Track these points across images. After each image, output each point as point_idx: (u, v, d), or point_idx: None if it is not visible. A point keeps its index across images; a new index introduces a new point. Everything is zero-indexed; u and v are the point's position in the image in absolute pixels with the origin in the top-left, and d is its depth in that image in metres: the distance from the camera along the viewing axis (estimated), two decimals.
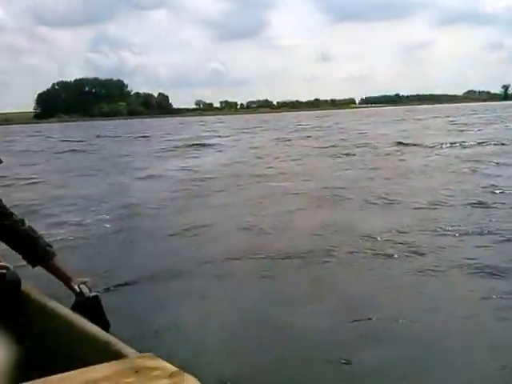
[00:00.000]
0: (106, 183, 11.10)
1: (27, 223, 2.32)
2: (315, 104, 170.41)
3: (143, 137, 30.26)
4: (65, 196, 9.42)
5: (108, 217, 7.23)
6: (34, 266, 2.36)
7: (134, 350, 1.59)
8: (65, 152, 20.84)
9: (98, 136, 32.77)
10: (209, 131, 33.72)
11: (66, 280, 2.35)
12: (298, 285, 4.12)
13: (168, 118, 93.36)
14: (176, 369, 1.41)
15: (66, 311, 2.03)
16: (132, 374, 1.38)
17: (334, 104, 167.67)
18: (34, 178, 12.27)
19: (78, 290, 2.32)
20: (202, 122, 55.58)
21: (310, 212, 7.17)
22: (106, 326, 2.11)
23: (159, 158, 16.81)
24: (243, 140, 23.26)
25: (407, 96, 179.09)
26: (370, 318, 3.34)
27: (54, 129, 55.26)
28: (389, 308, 3.55)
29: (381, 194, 7.95)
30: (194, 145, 21.26)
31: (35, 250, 2.31)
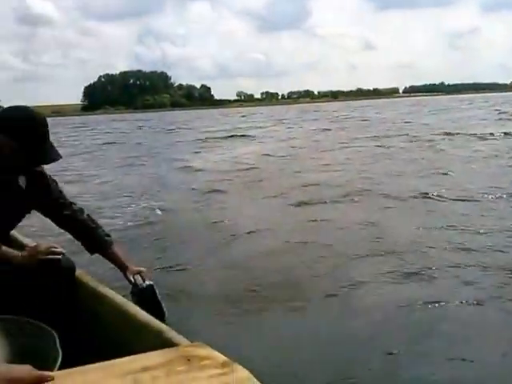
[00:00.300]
0: (149, 173, 11.23)
1: (86, 212, 2.40)
2: (357, 93, 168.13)
3: (185, 128, 30.49)
4: (110, 187, 9.60)
5: (158, 204, 7.30)
6: (92, 253, 2.47)
7: (185, 339, 1.60)
8: (107, 144, 21.21)
9: (141, 127, 33.15)
10: (249, 122, 33.63)
11: (122, 268, 2.45)
12: None
13: (210, 110, 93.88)
14: (227, 359, 1.41)
15: (119, 298, 2.06)
16: (184, 362, 1.39)
17: (376, 93, 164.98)
18: (82, 170, 12.52)
19: (132, 279, 2.40)
20: (242, 113, 55.31)
21: (351, 205, 7.05)
22: (161, 316, 2.16)
23: (202, 148, 16.89)
24: (283, 131, 23.05)
25: (452, 85, 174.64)
26: None
27: (100, 121, 56.31)
28: None
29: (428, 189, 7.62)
30: (233, 136, 21.26)
31: (93, 239, 2.41)
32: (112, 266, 2.47)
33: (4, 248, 2.06)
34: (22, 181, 2.16)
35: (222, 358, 1.42)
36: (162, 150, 16.81)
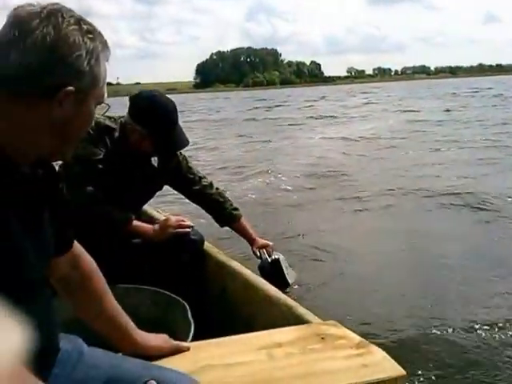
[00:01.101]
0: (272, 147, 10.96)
1: (215, 186, 2.44)
2: (478, 69, 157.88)
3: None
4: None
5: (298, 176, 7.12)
6: (221, 226, 2.52)
7: (316, 317, 1.56)
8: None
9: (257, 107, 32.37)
10: (364, 99, 32.10)
11: (249, 241, 2.50)
12: None
13: (320, 87, 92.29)
14: (362, 339, 1.35)
15: (246, 272, 2.06)
16: (318, 340, 1.34)
17: (500, 69, 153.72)
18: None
19: (258, 253, 2.42)
20: (352, 90, 52.92)
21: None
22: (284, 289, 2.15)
23: (321, 124, 16.21)
24: (401, 110, 21.44)
25: None
26: None
27: (218, 97, 56.11)
28: None
29: None
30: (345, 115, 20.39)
31: (222, 213, 2.44)
32: (237, 238, 2.49)
33: (136, 223, 2.12)
34: (154, 159, 2.22)
35: (357, 338, 1.36)
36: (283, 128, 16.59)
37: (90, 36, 0.86)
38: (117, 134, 2.09)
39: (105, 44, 0.89)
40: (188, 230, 2.19)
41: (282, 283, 2.30)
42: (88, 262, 1.12)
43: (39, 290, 0.92)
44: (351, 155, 8.93)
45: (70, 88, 0.83)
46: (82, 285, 1.11)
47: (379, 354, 1.30)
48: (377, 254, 3.79)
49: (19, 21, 0.83)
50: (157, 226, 2.16)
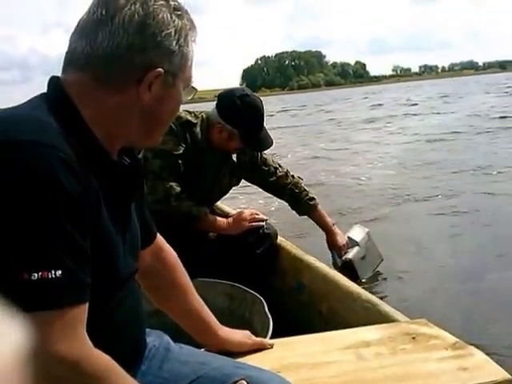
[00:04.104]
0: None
1: (290, 175, 2.40)
2: None
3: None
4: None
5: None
6: (299, 215, 2.50)
7: (402, 314, 1.46)
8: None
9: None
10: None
11: (326, 230, 2.46)
12: None
13: (365, 87, 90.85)
14: (458, 340, 1.24)
15: (323, 266, 1.99)
16: (408, 339, 1.24)
17: None
18: None
19: (331, 252, 2.38)
20: (399, 88, 51.03)
21: None
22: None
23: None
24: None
25: None
26: None
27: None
28: None
29: None
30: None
31: (299, 203, 2.41)
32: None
33: (211, 217, 2.11)
34: (233, 156, 2.20)
35: (453, 338, 1.25)
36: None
37: (178, 13, 0.80)
38: (197, 130, 2.07)
39: (192, 23, 0.82)
40: (262, 223, 2.16)
41: (354, 275, 2.26)
42: (171, 255, 1.08)
43: (130, 284, 0.88)
44: None
45: (160, 69, 0.77)
46: (166, 277, 1.06)
47: (480, 356, 1.18)
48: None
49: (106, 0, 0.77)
50: (231, 220, 2.14)
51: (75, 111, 0.76)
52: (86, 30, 0.77)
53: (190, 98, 0.87)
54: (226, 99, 2.06)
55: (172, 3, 0.80)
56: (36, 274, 0.64)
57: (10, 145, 0.67)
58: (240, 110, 2.01)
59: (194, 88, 0.87)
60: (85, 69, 0.77)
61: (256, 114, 2.04)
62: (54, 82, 0.79)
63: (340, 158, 8.63)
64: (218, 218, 2.13)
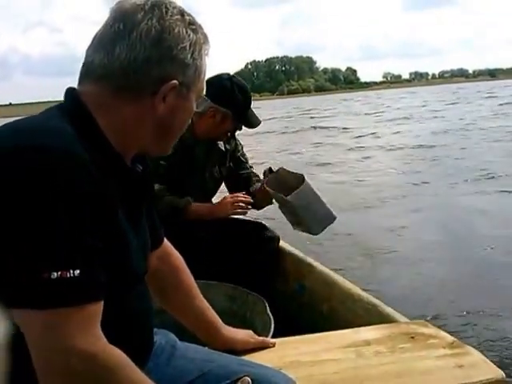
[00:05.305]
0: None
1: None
2: None
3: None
4: None
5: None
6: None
7: (402, 315, 1.49)
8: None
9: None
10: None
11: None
12: None
13: (356, 93, 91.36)
14: (455, 339, 1.27)
15: (324, 268, 2.02)
16: (407, 339, 1.27)
17: None
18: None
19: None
20: (384, 96, 50.78)
21: None
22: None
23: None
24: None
25: None
26: None
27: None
28: None
29: None
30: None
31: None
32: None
33: (195, 204, 2.10)
34: (221, 144, 2.25)
35: (450, 338, 1.28)
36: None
37: (193, 27, 0.83)
38: None
39: (205, 37, 0.86)
40: (248, 206, 2.14)
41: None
42: (177, 258, 1.11)
43: (141, 285, 0.91)
44: None
45: (175, 81, 0.80)
46: (172, 279, 1.09)
47: (476, 354, 1.22)
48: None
49: (123, 14, 0.80)
50: (216, 204, 2.18)
51: (91, 120, 0.78)
52: (103, 43, 0.80)
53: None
54: (216, 84, 2.09)
55: (187, 18, 0.83)
56: (56, 273, 0.66)
57: (31, 150, 0.69)
58: (232, 90, 2.11)
59: (205, 98, 0.90)
60: (102, 80, 0.80)
61: (246, 92, 2.15)
62: (70, 92, 0.82)
63: None
64: (202, 204, 2.15)
